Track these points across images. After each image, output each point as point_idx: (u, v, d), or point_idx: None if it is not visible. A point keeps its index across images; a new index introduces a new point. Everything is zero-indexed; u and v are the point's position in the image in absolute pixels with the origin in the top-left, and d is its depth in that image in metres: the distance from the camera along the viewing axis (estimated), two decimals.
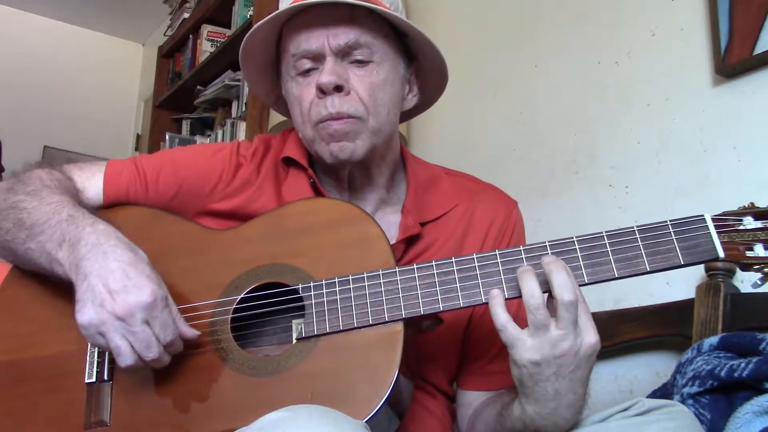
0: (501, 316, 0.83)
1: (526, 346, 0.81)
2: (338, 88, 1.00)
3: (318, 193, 1.08)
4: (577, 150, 1.86)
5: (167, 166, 1.10)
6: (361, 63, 1.01)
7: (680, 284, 1.51)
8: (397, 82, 1.06)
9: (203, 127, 3.81)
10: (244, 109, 3.13)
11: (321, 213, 0.99)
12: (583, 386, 0.84)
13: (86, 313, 0.87)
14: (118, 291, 0.87)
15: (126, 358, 0.87)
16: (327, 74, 0.99)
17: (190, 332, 0.93)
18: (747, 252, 0.84)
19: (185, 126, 3.91)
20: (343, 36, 1.00)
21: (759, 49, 1.46)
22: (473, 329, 1.10)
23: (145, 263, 0.91)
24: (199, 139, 3.71)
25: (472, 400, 1.10)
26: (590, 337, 0.81)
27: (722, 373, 1.13)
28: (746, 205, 0.86)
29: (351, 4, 0.99)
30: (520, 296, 0.83)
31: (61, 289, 1.01)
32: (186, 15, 3.92)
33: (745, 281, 1.42)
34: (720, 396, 1.14)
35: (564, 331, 0.80)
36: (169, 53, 4.10)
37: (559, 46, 1.98)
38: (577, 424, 0.88)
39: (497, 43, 2.21)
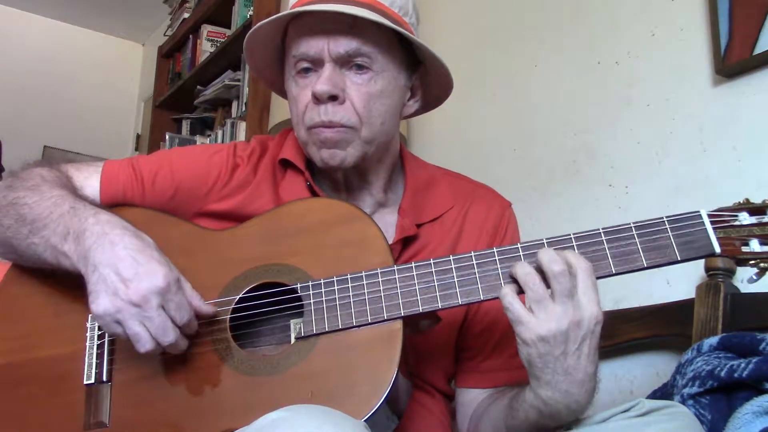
0: (507, 295, 0.84)
1: (531, 322, 0.82)
2: (333, 97, 1.00)
3: (315, 195, 1.08)
4: (577, 150, 1.86)
5: (164, 167, 1.09)
6: (360, 69, 1.01)
7: (680, 284, 1.51)
8: (396, 92, 1.06)
9: (203, 127, 3.81)
10: (244, 109, 3.13)
11: (319, 213, 0.99)
12: (593, 364, 0.84)
13: (101, 303, 0.87)
14: (130, 278, 0.87)
15: (145, 344, 0.88)
16: (323, 83, 0.99)
17: (207, 308, 0.93)
18: (743, 247, 0.84)
19: (185, 126, 3.91)
20: (344, 45, 0.99)
21: (759, 49, 1.46)
22: (468, 327, 1.10)
23: (153, 248, 0.92)
24: (199, 139, 3.71)
25: (471, 398, 1.10)
26: (592, 308, 0.82)
27: (722, 374, 1.13)
28: (741, 201, 0.87)
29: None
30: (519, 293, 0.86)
31: (57, 289, 1.01)
32: (186, 15, 3.93)
33: (745, 281, 1.42)
34: (720, 396, 1.14)
35: (562, 306, 0.81)
36: (169, 53, 4.10)
37: (559, 46, 1.98)
38: (579, 421, 0.88)
39: (497, 42, 2.21)
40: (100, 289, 0.88)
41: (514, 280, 0.86)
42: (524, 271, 0.84)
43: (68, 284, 0.97)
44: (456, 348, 1.13)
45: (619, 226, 0.87)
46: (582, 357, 0.82)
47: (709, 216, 0.86)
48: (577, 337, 0.81)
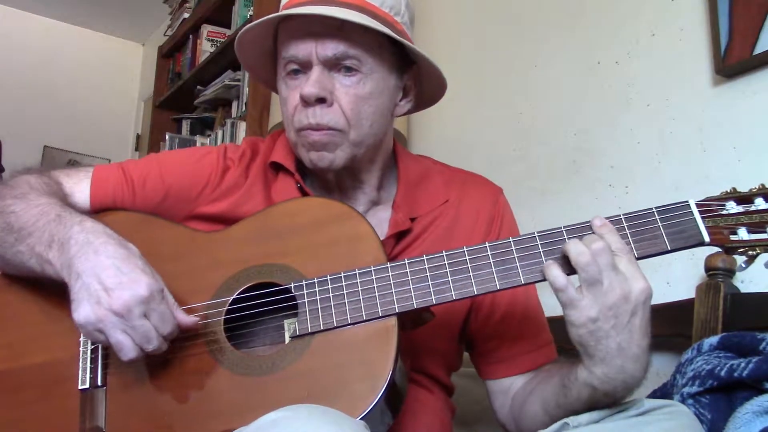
0: (560, 278, 0.83)
1: (582, 303, 0.82)
2: (321, 100, 1.00)
3: (306, 195, 1.08)
4: (577, 150, 1.86)
5: (154, 171, 1.09)
6: (348, 71, 1.01)
7: (680, 284, 1.51)
8: (386, 93, 1.05)
9: (203, 127, 3.81)
10: (244, 109, 3.13)
11: (311, 212, 0.99)
12: (645, 337, 0.83)
13: (82, 312, 0.87)
14: (113, 288, 0.87)
15: (128, 352, 0.87)
16: (310, 85, 0.99)
17: (188, 320, 0.93)
18: (731, 236, 0.85)
19: (185, 126, 3.91)
20: (331, 48, 0.99)
21: (759, 49, 1.45)
22: (487, 316, 1.10)
23: (137, 257, 0.91)
24: (199, 139, 3.71)
25: (506, 386, 1.10)
26: (638, 282, 0.82)
27: (722, 373, 1.13)
28: (728, 190, 0.87)
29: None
30: (513, 287, 0.89)
31: (49, 295, 1.00)
32: (186, 15, 3.92)
33: (745, 281, 1.42)
34: (720, 396, 1.14)
35: (608, 281, 0.81)
36: (169, 53, 4.10)
37: (559, 46, 1.98)
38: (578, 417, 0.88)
39: (497, 43, 2.21)
40: (82, 298, 0.87)
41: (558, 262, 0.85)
42: (578, 250, 0.83)
43: (59, 290, 0.96)
44: (465, 341, 1.13)
45: (609, 218, 0.88)
46: (634, 331, 0.82)
47: (698, 205, 0.86)
48: (627, 311, 0.81)
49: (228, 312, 0.96)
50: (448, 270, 0.90)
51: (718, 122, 1.55)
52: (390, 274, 0.91)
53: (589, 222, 0.88)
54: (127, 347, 0.87)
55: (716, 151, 1.54)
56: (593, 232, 0.86)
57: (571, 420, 0.87)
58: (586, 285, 0.82)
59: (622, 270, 0.82)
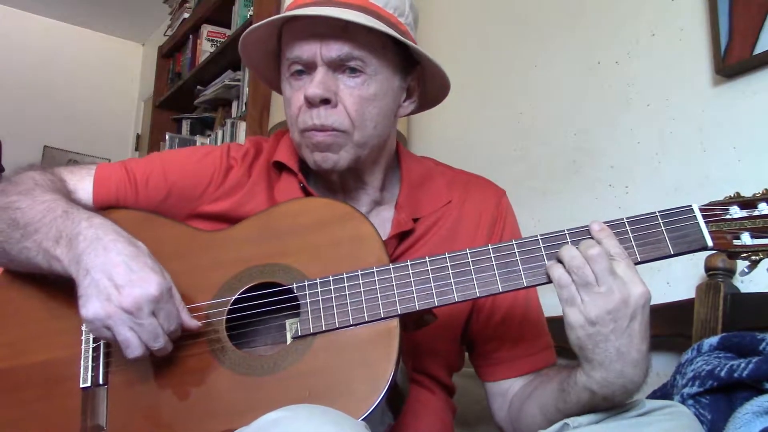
0: (565, 276, 0.84)
1: (582, 304, 0.82)
2: (325, 101, 1.00)
3: (309, 196, 1.08)
4: (577, 150, 1.86)
5: (157, 169, 1.10)
6: (353, 72, 1.01)
7: (680, 284, 1.51)
8: (390, 94, 1.06)
9: (203, 127, 3.81)
10: (244, 109, 3.13)
11: (313, 212, 0.99)
12: (644, 341, 0.84)
13: (91, 308, 0.87)
14: (123, 285, 0.87)
15: (135, 350, 0.88)
16: (315, 86, 0.99)
17: (193, 323, 0.93)
18: (734, 241, 0.85)
19: (185, 126, 3.91)
20: (335, 49, 0.99)
21: (759, 49, 1.46)
22: (487, 318, 1.10)
23: (146, 255, 0.92)
24: (199, 139, 3.71)
25: (505, 388, 1.10)
26: (637, 287, 0.82)
27: (722, 374, 1.13)
28: (732, 195, 0.87)
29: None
30: (515, 289, 0.88)
31: (51, 293, 1.00)
32: (186, 15, 3.93)
33: (745, 281, 1.42)
34: (720, 396, 1.14)
35: (606, 285, 0.81)
36: (169, 53, 4.10)
37: (559, 46, 1.98)
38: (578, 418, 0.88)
39: (497, 43, 2.21)
40: (91, 294, 0.87)
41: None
42: (571, 254, 0.84)
43: (61, 288, 0.96)
44: (466, 342, 1.13)
45: (612, 221, 0.88)
46: (634, 336, 0.82)
47: (701, 210, 0.86)
48: (626, 315, 0.81)
49: (230, 312, 0.96)
50: (450, 272, 0.90)
51: (718, 122, 1.55)
52: (392, 275, 0.91)
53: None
54: (133, 345, 0.87)
55: (716, 151, 1.54)
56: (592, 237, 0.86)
57: (572, 420, 0.88)
58: (580, 288, 0.82)
59: (620, 275, 0.82)
